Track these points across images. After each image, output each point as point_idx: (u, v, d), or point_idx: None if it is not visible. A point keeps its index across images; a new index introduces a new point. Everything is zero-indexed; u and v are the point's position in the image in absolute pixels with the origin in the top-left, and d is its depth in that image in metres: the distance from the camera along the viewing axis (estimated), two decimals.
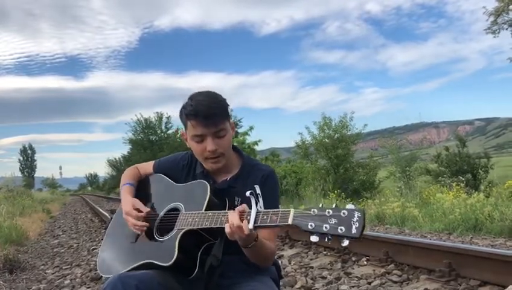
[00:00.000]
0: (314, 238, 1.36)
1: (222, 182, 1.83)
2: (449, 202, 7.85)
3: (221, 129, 1.73)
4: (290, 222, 1.41)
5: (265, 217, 1.48)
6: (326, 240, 1.35)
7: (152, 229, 1.76)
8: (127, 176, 2.00)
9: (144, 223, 1.75)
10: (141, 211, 1.78)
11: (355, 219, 1.32)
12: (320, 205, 1.40)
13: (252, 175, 1.82)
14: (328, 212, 1.36)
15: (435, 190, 10.56)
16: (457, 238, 5.93)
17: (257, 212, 1.49)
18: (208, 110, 1.69)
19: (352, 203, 1.42)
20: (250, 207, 1.51)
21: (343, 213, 1.34)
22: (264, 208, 1.55)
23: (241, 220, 1.49)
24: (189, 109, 1.72)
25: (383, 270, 4.04)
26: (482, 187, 12.78)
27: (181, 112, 1.79)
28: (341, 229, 1.32)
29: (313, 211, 1.39)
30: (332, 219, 1.34)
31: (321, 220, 1.36)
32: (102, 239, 2.05)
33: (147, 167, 2.04)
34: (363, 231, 1.32)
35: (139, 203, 1.81)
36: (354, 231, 1.31)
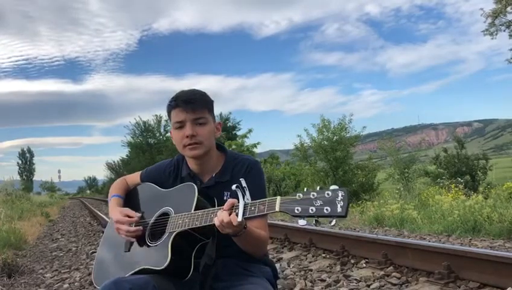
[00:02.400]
0: (302, 222, 1.40)
1: (209, 180, 1.86)
2: (448, 204, 7.84)
3: (200, 117, 1.79)
4: (277, 209, 1.44)
5: (253, 208, 1.51)
6: (314, 222, 1.39)
7: (144, 236, 1.76)
8: (115, 188, 2.03)
9: (137, 228, 1.75)
10: (132, 217, 1.78)
11: (339, 198, 1.35)
12: (305, 189, 1.43)
13: (236, 167, 1.85)
14: (313, 195, 1.39)
15: (434, 191, 10.56)
16: (456, 240, 5.93)
17: (245, 205, 1.52)
18: (187, 96, 1.79)
19: (336, 184, 1.45)
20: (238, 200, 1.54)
21: (328, 194, 1.37)
22: (252, 198, 1.58)
23: (230, 214, 1.52)
24: (171, 99, 1.82)
25: (382, 272, 4.04)
26: (481, 189, 12.81)
27: (167, 108, 1.87)
28: (327, 210, 1.36)
29: (298, 195, 1.42)
30: (318, 201, 1.38)
31: (307, 203, 1.39)
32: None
33: (135, 177, 2.07)
34: (348, 208, 1.35)
35: (128, 210, 1.82)
36: (339, 209, 1.34)
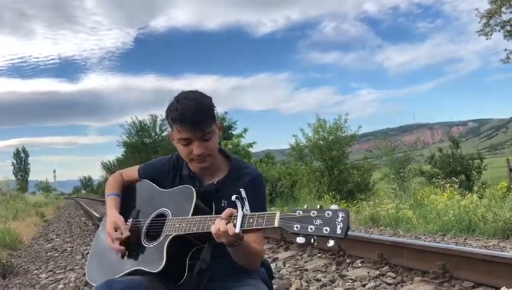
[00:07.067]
0: (300, 240, 1.38)
1: (209, 185, 1.82)
2: (443, 204, 7.87)
3: (207, 132, 1.72)
4: (276, 224, 1.43)
5: (251, 221, 1.49)
6: (312, 241, 1.36)
7: (140, 236, 1.76)
8: (112, 184, 1.98)
9: (121, 248, 1.73)
10: (121, 233, 1.75)
11: (339, 219, 1.33)
12: (305, 207, 1.41)
13: (240, 179, 1.81)
14: (313, 213, 1.37)
15: (429, 191, 10.59)
16: (451, 240, 5.96)
17: (243, 216, 1.50)
18: (194, 116, 1.67)
19: (337, 204, 1.43)
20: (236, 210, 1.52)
21: (328, 214, 1.35)
22: (251, 211, 1.56)
23: (227, 223, 1.50)
24: (175, 113, 1.69)
25: (377, 272, 4.05)
26: (476, 188, 12.85)
27: (167, 113, 1.76)
28: (326, 230, 1.34)
29: (298, 212, 1.40)
30: (318, 220, 1.36)
31: (306, 222, 1.37)
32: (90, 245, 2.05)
33: (132, 172, 2.01)
34: (347, 231, 1.33)
35: (121, 222, 1.77)
36: (338, 231, 1.33)
